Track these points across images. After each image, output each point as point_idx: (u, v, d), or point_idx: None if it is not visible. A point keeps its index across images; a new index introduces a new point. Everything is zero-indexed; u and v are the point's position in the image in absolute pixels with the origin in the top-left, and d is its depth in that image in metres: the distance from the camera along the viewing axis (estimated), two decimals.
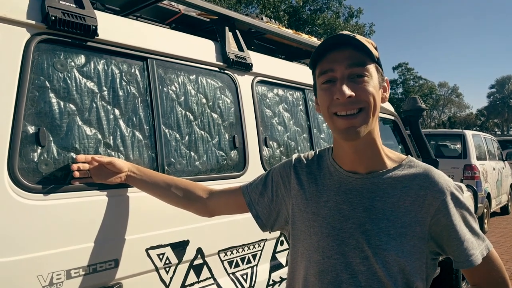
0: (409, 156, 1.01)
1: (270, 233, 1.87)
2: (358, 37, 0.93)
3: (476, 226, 0.95)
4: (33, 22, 1.24)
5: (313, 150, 1.14)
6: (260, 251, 1.88)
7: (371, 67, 0.91)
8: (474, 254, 0.92)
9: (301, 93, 2.32)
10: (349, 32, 0.94)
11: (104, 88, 1.42)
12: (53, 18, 1.25)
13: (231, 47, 1.91)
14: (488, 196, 7.29)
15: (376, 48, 0.96)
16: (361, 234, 0.92)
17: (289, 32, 2.41)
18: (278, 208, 1.12)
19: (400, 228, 0.91)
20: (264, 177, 1.17)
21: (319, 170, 1.05)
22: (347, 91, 0.87)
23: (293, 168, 1.10)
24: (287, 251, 2.03)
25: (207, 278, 1.63)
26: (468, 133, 7.40)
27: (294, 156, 1.14)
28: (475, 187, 6.27)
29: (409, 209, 0.92)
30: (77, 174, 1.25)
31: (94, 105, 1.38)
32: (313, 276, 0.98)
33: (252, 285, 1.81)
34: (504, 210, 9.12)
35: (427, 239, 0.92)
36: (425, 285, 0.95)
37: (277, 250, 1.98)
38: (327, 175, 1.02)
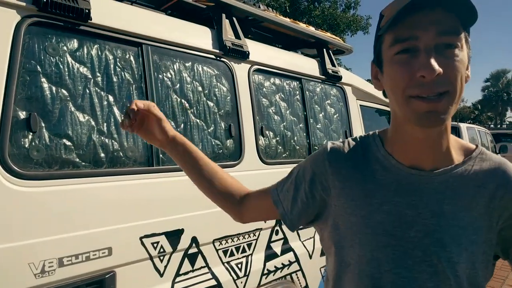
0: (478, 146, 0.82)
1: (265, 222, 1.86)
2: None
3: None
4: (23, 4, 1.20)
5: (346, 138, 0.94)
6: (255, 241, 1.87)
7: (463, 36, 0.70)
8: None
9: (298, 82, 2.30)
10: None
11: (98, 74, 1.38)
12: (44, 0, 1.21)
13: (228, 34, 1.88)
14: None
15: None
16: (429, 245, 0.75)
17: (287, 20, 2.38)
18: (316, 211, 0.92)
19: (471, 235, 0.75)
20: (294, 178, 0.95)
21: (366, 164, 0.83)
22: (437, 67, 0.66)
23: (328, 162, 0.87)
24: (282, 240, 2.03)
25: (201, 267, 1.63)
26: (463, 126, 7.45)
27: (328, 146, 0.89)
28: None
29: (483, 212, 0.76)
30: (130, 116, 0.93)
31: (87, 91, 1.35)
32: None
33: (247, 274, 1.81)
34: None
35: (495, 244, 0.78)
36: None
37: (272, 240, 1.97)
38: (380, 171, 0.81)
